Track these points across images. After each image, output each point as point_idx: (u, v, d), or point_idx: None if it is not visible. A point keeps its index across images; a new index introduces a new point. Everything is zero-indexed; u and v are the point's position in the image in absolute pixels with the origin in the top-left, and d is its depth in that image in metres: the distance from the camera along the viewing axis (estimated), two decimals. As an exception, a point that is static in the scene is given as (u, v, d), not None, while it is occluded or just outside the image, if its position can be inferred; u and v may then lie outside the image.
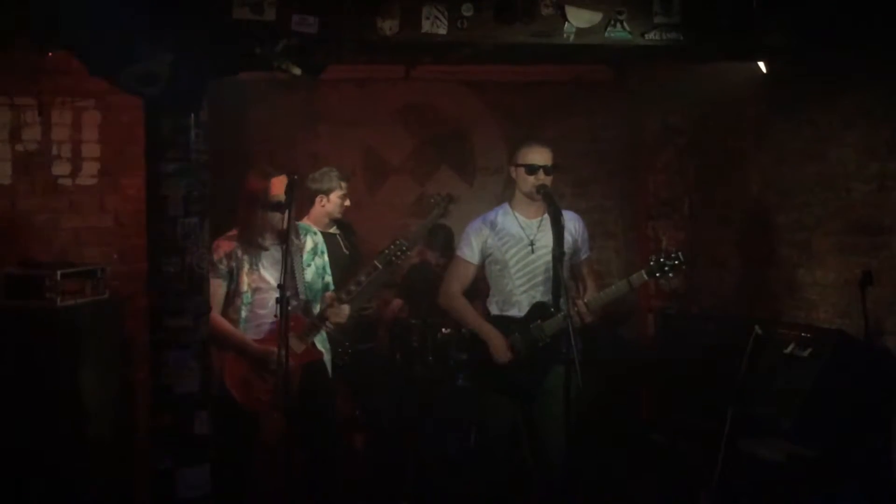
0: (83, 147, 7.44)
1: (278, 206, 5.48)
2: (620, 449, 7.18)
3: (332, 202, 6.78)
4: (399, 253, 5.90)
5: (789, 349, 6.14)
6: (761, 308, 7.37)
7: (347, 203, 6.88)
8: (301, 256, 5.75)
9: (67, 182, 7.43)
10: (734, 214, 8.05)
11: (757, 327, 6.04)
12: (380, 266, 5.89)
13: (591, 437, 6.75)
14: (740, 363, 6.02)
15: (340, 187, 6.79)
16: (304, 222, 6.67)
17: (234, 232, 5.69)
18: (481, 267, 5.80)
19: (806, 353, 6.02)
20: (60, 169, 7.42)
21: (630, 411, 7.54)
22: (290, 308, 5.21)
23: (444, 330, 7.01)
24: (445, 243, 7.28)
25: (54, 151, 7.41)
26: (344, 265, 6.54)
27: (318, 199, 6.78)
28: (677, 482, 6.36)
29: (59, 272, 6.45)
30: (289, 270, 5.32)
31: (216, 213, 5.35)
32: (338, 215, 6.86)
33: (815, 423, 5.75)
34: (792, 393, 5.93)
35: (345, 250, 6.82)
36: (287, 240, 5.25)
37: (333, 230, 6.87)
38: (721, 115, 8.11)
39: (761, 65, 6.78)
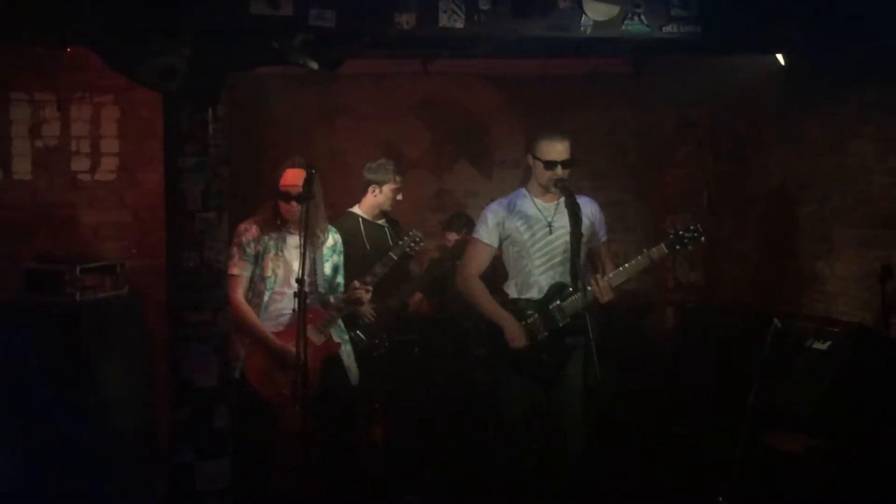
0: (102, 142, 7.46)
1: (287, 197, 5.58)
2: (639, 440, 7.18)
3: (384, 194, 6.83)
4: (413, 244, 6.04)
5: (809, 342, 6.13)
6: (780, 301, 7.36)
7: (400, 197, 6.92)
8: (321, 252, 5.80)
9: (86, 177, 7.44)
10: (753, 207, 8.03)
11: (776, 320, 6.00)
12: (395, 257, 6.07)
13: (610, 428, 6.76)
14: (759, 356, 6.00)
15: (394, 181, 6.85)
16: (355, 210, 6.82)
17: (259, 217, 5.77)
18: (498, 250, 5.81)
19: (825, 346, 6.01)
20: (79, 164, 7.43)
21: (650, 403, 7.51)
22: (308, 300, 5.28)
23: (463, 324, 7.03)
24: (466, 229, 7.29)
25: (73, 147, 7.42)
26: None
27: (370, 188, 6.83)
28: (696, 474, 6.35)
29: (78, 267, 6.49)
30: (309, 263, 5.38)
31: (234, 207, 5.37)
32: (388, 208, 6.91)
33: (835, 416, 5.73)
34: (811, 386, 5.92)
35: (390, 242, 6.85)
36: (305, 232, 5.28)
37: (382, 222, 6.91)
38: (740, 108, 8.09)
39: (779, 57, 6.77)
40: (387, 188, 6.83)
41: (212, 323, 5.12)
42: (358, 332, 6.53)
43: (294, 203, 5.63)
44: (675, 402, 7.27)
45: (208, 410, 5.12)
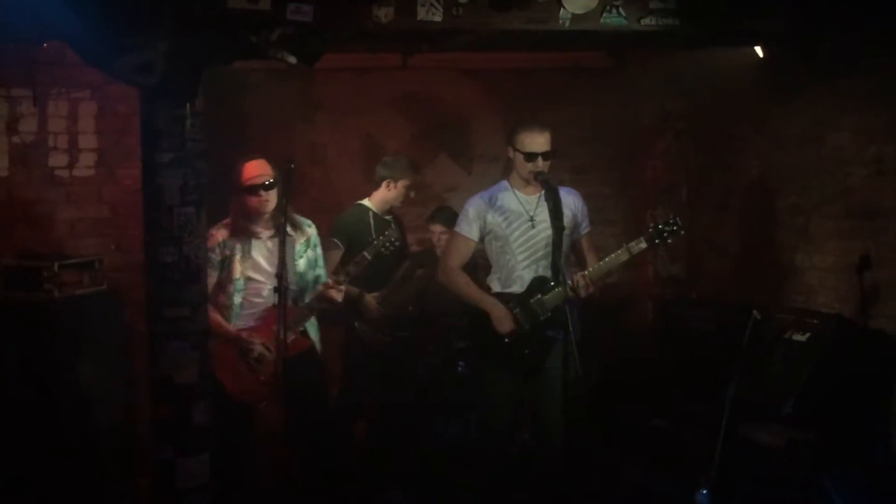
0: (80, 138, 7.41)
1: (254, 190, 5.61)
2: (621, 434, 7.18)
3: (398, 189, 6.85)
4: (387, 244, 6.03)
5: (788, 334, 6.15)
6: (760, 293, 7.36)
7: (413, 195, 6.94)
8: (294, 248, 5.78)
9: (64, 173, 7.40)
10: (733, 200, 8.05)
11: (755, 312, 6.04)
12: (368, 257, 6.00)
13: (591, 422, 6.77)
14: (739, 349, 6.02)
15: (411, 177, 6.85)
16: (365, 202, 6.87)
17: (227, 220, 5.74)
18: (480, 244, 5.80)
19: (805, 338, 6.03)
20: (57, 160, 7.39)
21: (630, 397, 7.53)
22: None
23: (445, 319, 7.03)
24: (449, 222, 7.28)
25: (51, 143, 7.37)
26: (392, 254, 6.59)
27: (385, 183, 6.84)
28: (677, 467, 6.36)
29: (56, 264, 6.46)
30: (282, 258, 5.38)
31: (213, 202, 5.34)
32: (399, 203, 6.94)
33: (815, 407, 5.76)
34: (791, 378, 5.94)
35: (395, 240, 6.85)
36: (283, 225, 5.28)
37: (389, 217, 6.90)
38: (720, 101, 8.09)
39: (758, 50, 6.78)
40: (402, 184, 6.85)
41: (191, 319, 5.10)
42: (364, 324, 6.57)
43: (263, 193, 5.62)
44: (655, 395, 7.28)
45: (188, 407, 5.09)
